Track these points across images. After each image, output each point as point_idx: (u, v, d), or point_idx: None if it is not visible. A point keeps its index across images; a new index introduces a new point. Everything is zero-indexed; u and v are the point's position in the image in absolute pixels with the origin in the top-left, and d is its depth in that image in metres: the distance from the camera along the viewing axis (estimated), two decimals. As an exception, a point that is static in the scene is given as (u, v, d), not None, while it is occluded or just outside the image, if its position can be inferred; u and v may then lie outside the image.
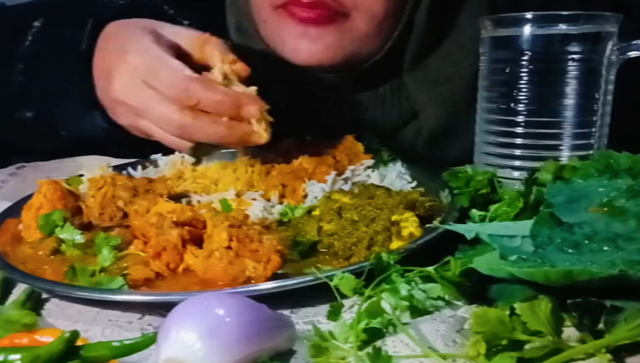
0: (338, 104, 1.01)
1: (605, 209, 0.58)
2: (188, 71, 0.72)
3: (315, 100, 0.99)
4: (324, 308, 0.54)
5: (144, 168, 0.91)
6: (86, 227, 0.74)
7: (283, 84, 0.92)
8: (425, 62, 0.97)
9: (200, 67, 0.76)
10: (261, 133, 0.73)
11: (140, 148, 0.94)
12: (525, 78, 0.75)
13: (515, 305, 0.45)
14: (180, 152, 0.83)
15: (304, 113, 0.97)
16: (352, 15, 0.87)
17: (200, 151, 0.76)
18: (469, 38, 0.93)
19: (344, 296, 0.55)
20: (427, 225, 0.67)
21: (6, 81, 0.95)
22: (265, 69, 0.82)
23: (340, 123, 0.99)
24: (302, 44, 0.88)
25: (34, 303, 0.58)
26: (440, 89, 0.98)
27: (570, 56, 0.74)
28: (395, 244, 0.63)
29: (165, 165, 0.89)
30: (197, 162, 0.83)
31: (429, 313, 0.53)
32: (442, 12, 0.94)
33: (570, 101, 0.75)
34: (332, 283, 0.55)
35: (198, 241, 0.64)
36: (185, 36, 0.79)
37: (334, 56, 0.89)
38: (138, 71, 0.74)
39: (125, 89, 0.76)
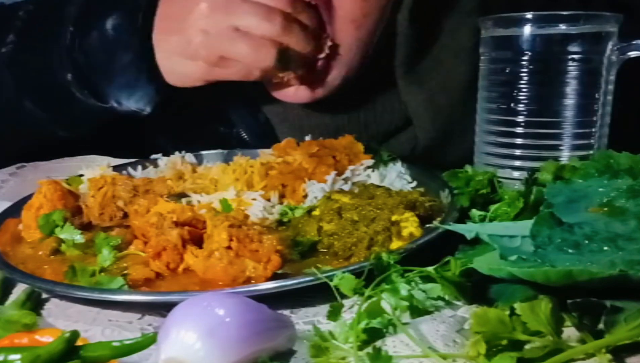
0: (331, 103, 1.00)
1: (605, 209, 0.58)
2: None
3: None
4: (324, 308, 0.54)
5: (144, 168, 0.91)
6: (86, 227, 0.75)
7: None
8: (417, 68, 0.96)
9: None
10: None
11: (140, 147, 0.95)
12: (525, 78, 0.75)
13: (515, 305, 0.45)
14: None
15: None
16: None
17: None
18: (463, 45, 0.92)
19: (344, 296, 0.55)
20: (427, 225, 0.67)
21: (55, 43, 0.92)
22: None
23: (334, 123, 0.99)
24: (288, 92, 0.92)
25: (34, 303, 0.58)
26: (435, 98, 0.97)
27: (570, 56, 0.74)
28: (395, 244, 0.63)
29: (165, 165, 0.89)
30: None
31: (429, 313, 0.53)
32: (428, 13, 0.92)
33: (570, 101, 0.75)
34: (332, 283, 0.55)
35: (198, 241, 0.64)
36: None
37: (317, 94, 0.91)
38: None
39: (214, 11, 0.82)
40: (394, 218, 0.65)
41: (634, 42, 0.74)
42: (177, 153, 0.91)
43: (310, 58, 0.87)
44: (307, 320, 0.55)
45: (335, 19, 0.87)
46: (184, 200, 0.77)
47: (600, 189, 0.61)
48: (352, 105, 1.01)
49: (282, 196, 0.78)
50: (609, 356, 0.44)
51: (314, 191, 0.77)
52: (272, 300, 0.51)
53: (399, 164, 0.87)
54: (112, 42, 0.90)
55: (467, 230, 0.59)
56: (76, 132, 0.98)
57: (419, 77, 0.97)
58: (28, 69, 0.96)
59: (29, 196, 0.76)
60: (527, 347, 0.45)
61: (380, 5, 0.88)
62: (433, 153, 1.01)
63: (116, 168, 0.88)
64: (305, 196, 0.77)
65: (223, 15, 0.82)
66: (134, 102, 0.90)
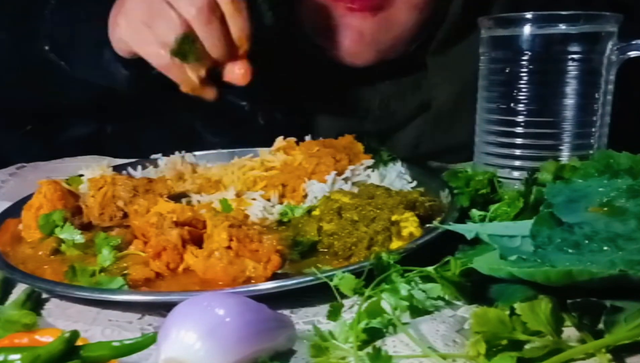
0: (360, 92, 1.03)
1: (605, 209, 0.58)
2: None
3: (341, 88, 1.02)
4: (324, 308, 0.54)
5: (144, 168, 0.91)
6: (86, 227, 0.74)
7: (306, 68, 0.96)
8: (448, 50, 0.99)
9: None
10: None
11: (140, 147, 0.95)
12: (525, 78, 0.75)
13: (515, 305, 0.45)
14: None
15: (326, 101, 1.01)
16: (394, 5, 0.90)
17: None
18: None
19: (344, 296, 0.55)
20: (427, 225, 0.67)
21: (36, 14, 0.95)
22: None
23: (361, 110, 1.02)
24: (345, 41, 0.91)
25: (34, 303, 0.58)
26: (455, 70, 1.00)
27: (570, 56, 0.74)
28: (395, 244, 0.63)
29: (165, 165, 0.89)
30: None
31: (429, 313, 0.53)
32: (476, 4, 0.95)
33: (570, 101, 0.75)
34: (332, 283, 0.55)
35: (198, 241, 0.64)
36: None
37: (371, 55, 0.93)
38: None
39: None
40: (394, 218, 0.65)
41: (634, 42, 0.74)
42: (177, 152, 0.92)
43: (210, 65, 0.81)
44: (307, 320, 0.55)
45: (399, 2, 0.89)
46: (184, 200, 0.77)
47: (600, 189, 0.61)
48: (381, 95, 1.04)
49: (282, 196, 0.78)
50: (609, 356, 0.44)
51: (314, 191, 0.77)
52: (272, 300, 0.50)
53: (399, 164, 0.87)
54: (80, 19, 0.91)
55: (467, 230, 0.59)
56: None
57: (447, 57, 1.00)
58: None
59: (29, 196, 0.76)
60: (527, 347, 0.45)
61: None
62: (439, 127, 1.04)
63: (116, 168, 0.88)
64: (305, 196, 0.77)
65: None
66: (104, 79, 0.90)
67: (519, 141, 0.77)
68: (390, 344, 0.49)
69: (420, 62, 1.01)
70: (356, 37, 0.92)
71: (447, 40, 0.98)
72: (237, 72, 0.80)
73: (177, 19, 0.76)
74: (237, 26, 0.77)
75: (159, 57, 0.78)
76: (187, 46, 0.77)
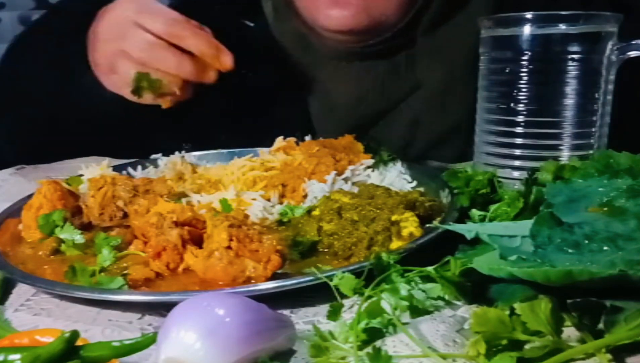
0: (355, 71, 1.05)
1: (605, 209, 0.58)
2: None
3: (333, 69, 1.04)
4: (324, 308, 0.54)
5: (144, 168, 0.91)
6: (86, 227, 0.75)
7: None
8: (437, 31, 1.02)
9: None
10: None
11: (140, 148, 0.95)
12: (525, 78, 0.75)
13: (515, 305, 0.45)
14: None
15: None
16: None
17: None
18: (478, 12, 0.97)
19: (344, 296, 0.55)
20: (427, 225, 0.67)
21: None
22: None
23: (357, 91, 1.04)
24: (334, 11, 0.93)
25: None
26: (443, 52, 1.03)
27: (570, 56, 0.74)
28: (395, 244, 0.63)
29: (165, 165, 0.89)
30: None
31: (429, 313, 0.53)
32: None
33: (570, 101, 0.75)
34: (332, 283, 0.55)
35: (198, 241, 0.64)
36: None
37: (362, 21, 0.94)
38: (129, 10, 0.84)
39: (114, 21, 0.85)
40: (394, 218, 0.65)
41: (633, 42, 0.74)
42: (177, 152, 0.92)
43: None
44: (307, 320, 0.55)
45: None
46: (184, 200, 0.77)
47: (600, 189, 0.61)
48: (376, 75, 1.05)
49: (282, 196, 0.78)
50: (609, 356, 0.44)
51: (314, 191, 0.77)
52: (272, 300, 0.51)
53: (399, 164, 0.87)
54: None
55: (467, 229, 0.59)
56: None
57: (435, 38, 1.03)
58: None
59: (29, 196, 0.76)
60: (527, 346, 0.45)
61: None
62: (432, 113, 1.06)
63: (116, 168, 0.88)
64: (305, 196, 0.77)
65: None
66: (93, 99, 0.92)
67: (519, 141, 0.77)
68: (390, 344, 0.49)
69: (412, 41, 1.03)
70: (349, 12, 0.93)
71: (436, 20, 1.01)
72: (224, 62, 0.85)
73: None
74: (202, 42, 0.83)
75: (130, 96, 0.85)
76: (144, 83, 0.83)
